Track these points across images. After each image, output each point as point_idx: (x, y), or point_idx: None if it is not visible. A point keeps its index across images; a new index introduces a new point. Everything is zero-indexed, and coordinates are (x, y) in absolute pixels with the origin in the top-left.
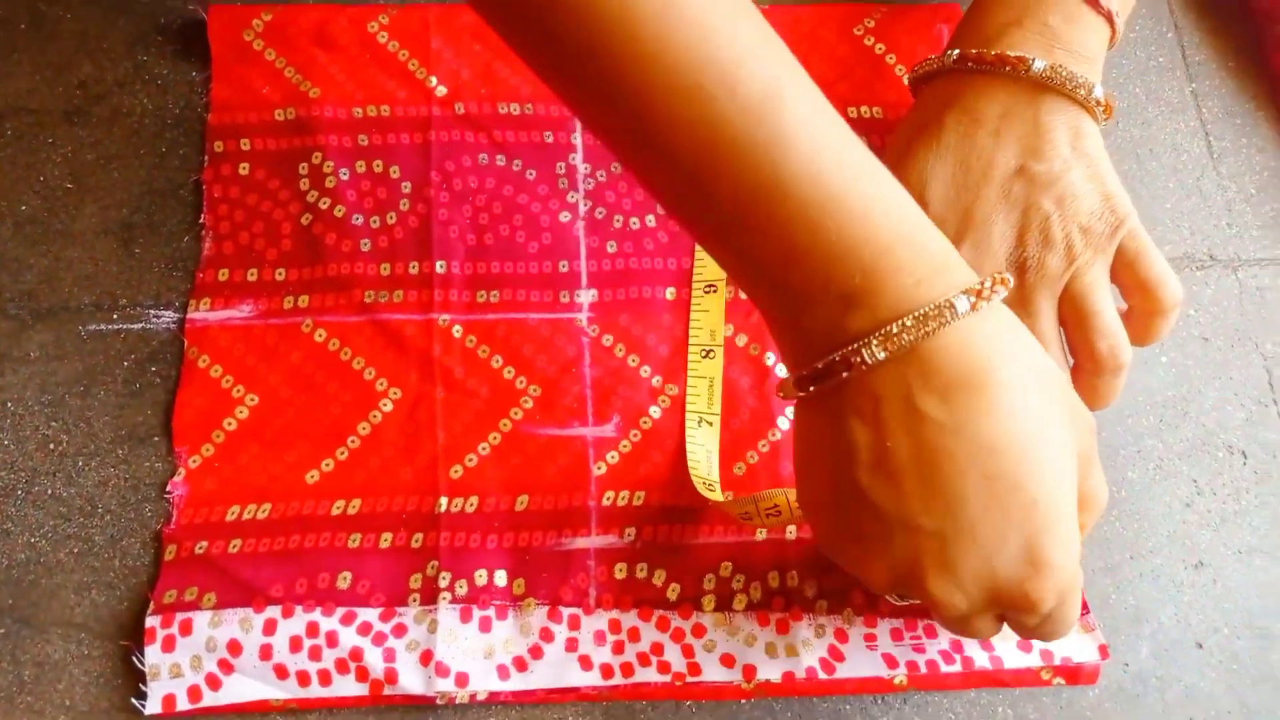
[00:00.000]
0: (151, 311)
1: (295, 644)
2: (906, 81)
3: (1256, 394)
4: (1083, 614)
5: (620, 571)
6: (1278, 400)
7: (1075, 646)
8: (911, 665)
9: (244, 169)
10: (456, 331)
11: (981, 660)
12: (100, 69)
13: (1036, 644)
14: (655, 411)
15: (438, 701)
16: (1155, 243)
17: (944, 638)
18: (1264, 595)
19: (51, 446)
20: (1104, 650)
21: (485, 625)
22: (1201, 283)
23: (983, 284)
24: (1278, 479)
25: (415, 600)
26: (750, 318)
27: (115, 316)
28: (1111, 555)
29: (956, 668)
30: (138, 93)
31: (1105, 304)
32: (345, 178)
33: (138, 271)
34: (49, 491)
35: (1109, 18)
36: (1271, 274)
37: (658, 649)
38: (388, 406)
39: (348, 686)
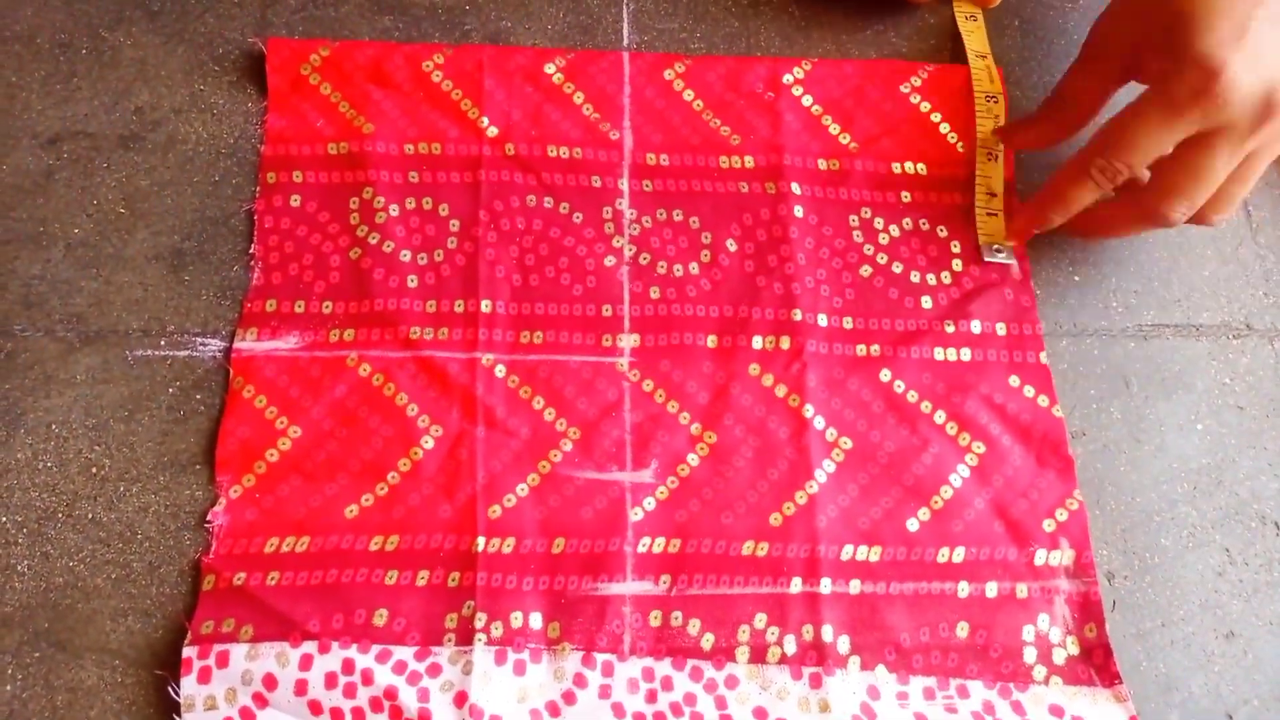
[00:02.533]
0: (199, 339)
1: (330, 680)
2: None
3: None
4: (1115, 683)
5: (655, 619)
6: None
7: (1106, 715)
8: None
9: (295, 200)
10: (499, 371)
11: None
12: (157, 96)
13: (1068, 711)
14: (693, 459)
15: None
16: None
17: (976, 699)
18: None
19: (94, 471)
20: None
21: (519, 668)
22: (1238, 352)
23: None
24: None
25: (450, 640)
26: (789, 369)
27: (163, 343)
28: (1143, 622)
29: None
30: (193, 121)
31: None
32: (395, 213)
33: (186, 298)
34: (89, 516)
35: None
36: None
37: (690, 699)
38: (429, 443)
39: None
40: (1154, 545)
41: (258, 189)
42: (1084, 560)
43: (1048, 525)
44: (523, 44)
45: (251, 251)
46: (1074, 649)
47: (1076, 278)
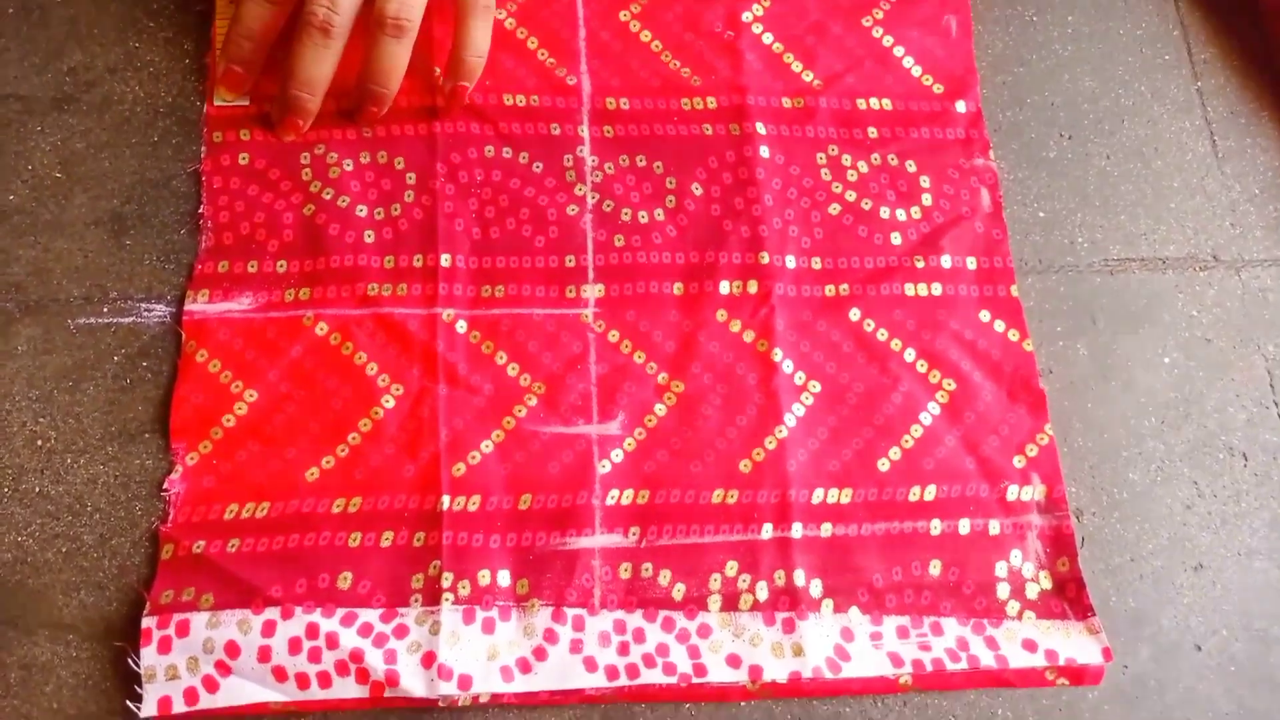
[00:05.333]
0: (143, 305)
1: (295, 645)
2: None
3: (1258, 395)
4: (1088, 615)
5: (625, 571)
6: (1279, 402)
7: (1079, 648)
8: (917, 664)
9: (244, 159)
10: (460, 327)
11: (987, 660)
12: (91, 55)
13: (1041, 645)
14: (660, 409)
15: (440, 704)
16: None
17: (950, 635)
18: (1262, 598)
19: (39, 443)
20: (1107, 653)
21: (488, 626)
22: (1205, 283)
23: None
24: (1278, 481)
25: (417, 601)
26: (757, 314)
27: (105, 310)
28: (1112, 557)
29: (962, 666)
30: (129, 80)
31: None
32: (349, 168)
33: (129, 264)
34: (36, 489)
35: None
36: (1274, 275)
37: (663, 650)
38: (389, 403)
39: (348, 689)
40: (1122, 481)
41: (203, 148)
42: (1055, 494)
43: (1018, 461)
44: None
45: (201, 212)
46: (1047, 583)
47: (1042, 214)
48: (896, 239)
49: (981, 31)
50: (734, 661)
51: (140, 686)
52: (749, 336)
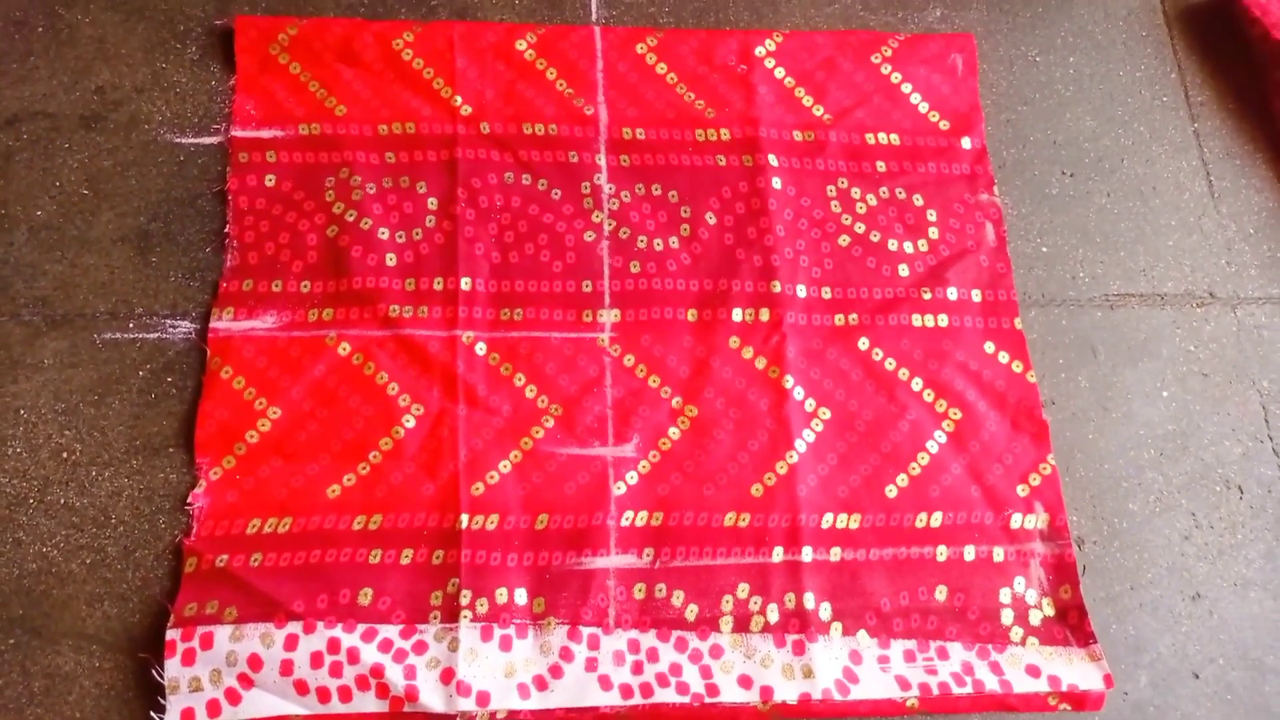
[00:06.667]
0: (168, 321)
1: (316, 660)
2: None
3: (1253, 429)
4: (1090, 642)
5: (639, 591)
6: (1273, 436)
7: (1081, 674)
8: (924, 687)
9: (270, 180)
10: (480, 349)
11: (991, 684)
12: (118, 75)
13: (1044, 671)
14: (674, 432)
15: (457, 719)
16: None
17: (955, 660)
18: (1258, 628)
19: (64, 455)
20: (1109, 679)
21: (506, 644)
22: (1201, 320)
23: None
24: (1272, 514)
25: (436, 618)
26: (769, 341)
27: (131, 325)
28: (1112, 586)
29: (968, 690)
30: (156, 100)
31: None
32: (372, 191)
33: (154, 280)
34: (61, 501)
35: None
36: (1269, 312)
37: (676, 670)
38: (410, 422)
39: (368, 703)
40: (1122, 511)
41: (229, 169)
42: (1058, 523)
43: (1022, 490)
44: (490, 19)
45: (226, 231)
46: (1050, 610)
47: (1045, 249)
48: (904, 271)
49: (986, 70)
50: (745, 682)
51: (163, 698)
52: (761, 363)
